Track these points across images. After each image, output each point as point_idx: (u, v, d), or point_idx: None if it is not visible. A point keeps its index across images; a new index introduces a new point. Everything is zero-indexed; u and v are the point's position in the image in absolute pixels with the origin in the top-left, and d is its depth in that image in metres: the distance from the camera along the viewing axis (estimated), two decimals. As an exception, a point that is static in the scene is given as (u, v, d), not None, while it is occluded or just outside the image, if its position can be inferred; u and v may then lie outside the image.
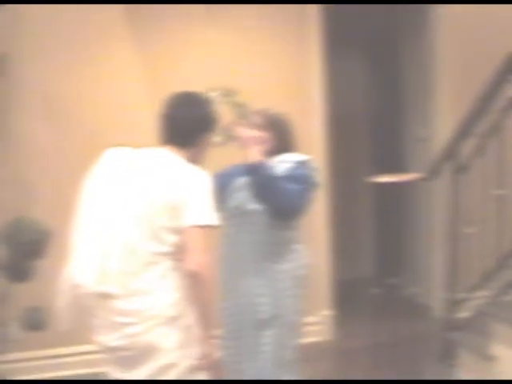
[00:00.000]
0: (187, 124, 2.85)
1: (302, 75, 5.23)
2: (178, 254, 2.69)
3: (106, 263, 2.68)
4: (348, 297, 6.17)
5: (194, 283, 2.65)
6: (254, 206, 3.16)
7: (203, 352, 2.76)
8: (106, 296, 2.69)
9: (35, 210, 4.50)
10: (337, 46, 5.71)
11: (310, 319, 5.05)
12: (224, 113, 3.29)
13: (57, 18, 4.69)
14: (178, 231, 2.67)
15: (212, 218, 2.67)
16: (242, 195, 3.23)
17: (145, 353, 2.70)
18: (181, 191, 2.67)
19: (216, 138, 3.21)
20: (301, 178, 3.17)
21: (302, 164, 3.24)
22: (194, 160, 2.84)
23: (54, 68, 4.71)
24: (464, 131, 4.37)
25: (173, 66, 4.87)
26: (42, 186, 4.71)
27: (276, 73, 5.14)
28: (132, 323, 2.68)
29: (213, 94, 3.31)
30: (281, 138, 3.32)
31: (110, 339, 2.75)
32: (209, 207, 2.68)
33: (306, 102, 5.24)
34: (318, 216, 5.19)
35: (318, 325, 5.37)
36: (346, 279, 6.37)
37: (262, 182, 3.07)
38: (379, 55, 7.06)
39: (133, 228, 2.68)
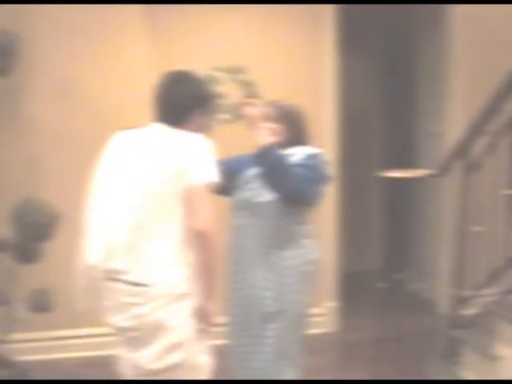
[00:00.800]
0: (177, 102, 2.90)
1: (315, 68, 5.20)
2: (183, 222, 2.72)
3: (113, 240, 2.72)
4: (354, 289, 6.18)
5: (202, 243, 2.70)
6: (263, 198, 3.14)
7: (201, 305, 2.81)
8: (113, 272, 2.73)
9: (46, 191, 4.52)
10: (351, 41, 5.71)
11: (316, 310, 5.05)
12: (233, 91, 3.26)
13: (76, 6, 4.67)
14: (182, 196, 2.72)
15: (213, 174, 2.73)
16: (252, 187, 3.22)
17: (153, 332, 2.74)
18: (182, 156, 2.72)
19: (224, 116, 3.23)
20: (312, 167, 3.14)
21: (313, 156, 3.21)
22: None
23: (67, 51, 4.72)
24: (476, 129, 4.35)
25: (186, 53, 4.85)
26: (53, 167, 4.73)
27: (290, 63, 5.11)
28: (140, 303, 2.71)
29: (219, 73, 3.28)
30: (294, 130, 3.29)
31: (120, 320, 2.79)
32: (210, 165, 2.73)
33: (319, 95, 5.22)
34: (327, 207, 5.18)
35: (323, 316, 5.37)
36: (353, 271, 6.38)
37: (272, 166, 3.04)
38: (393, 51, 7.05)
39: (139, 203, 2.73)
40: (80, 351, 4.83)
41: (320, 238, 5.00)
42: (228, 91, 3.19)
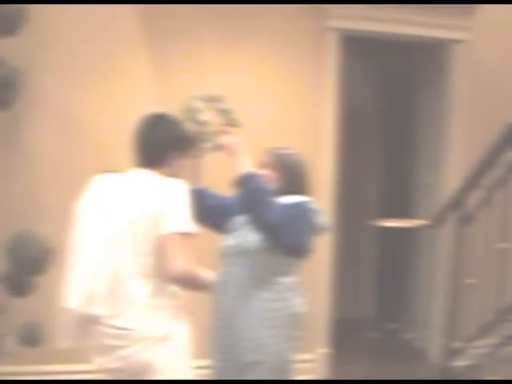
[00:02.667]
0: (153, 145, 2.94)
1: (315, 114, 5.23)
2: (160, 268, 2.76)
3: (93, 285, 2.74)
4: (346, 336, 6.15)
5: (180, 286, 2.81)
6: (247, 246, 3.11)
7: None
8: (95, 317, 2.74)
9: (41, 224, 4.52)
10: (352, 83, 5.74)
11: (306, 356, 5.03)
12: (214, 119, 3.27)
13: (74, 35, 4.73)
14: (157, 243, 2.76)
15: (189, 225, 2.74)
16: (239, 235, 3.20)
17: (141, 372, 2.75)
18: (159, 203, 2.75)
19: (206, 145, 3.24)
20: (296, 208, 3.10)
21: (301, 203, 3.16)
22: (170, 177, 2.89)
23: (68, 84, 4.74)
24: (471, 182, 4.39)
25: (186, 90, 4.90)
26: (49, 201, 4.72)
27: (289, 107, 5.16)
28: (124, 346, 2.72)
29: (198, 101, 3.28)
30: (290, 179, 3.24)
31: (106, 361, 2.80)
32: (185, 215, 2.75)
33: (318, 142, 5.23)
34: (321, 254, 5.17)
35: (313, 362, 5.33)
36: (345, 318, 6.34)
37: (250, 192, 3.01)
38: (392, 99, 7.10)
39: (118, 248, 2.76)
40: (68, 387, 4.80)
41: (313, 283, 5.03)
42: (209, 119, 3.20)
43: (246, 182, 3.02)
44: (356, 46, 5.45)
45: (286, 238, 3.06)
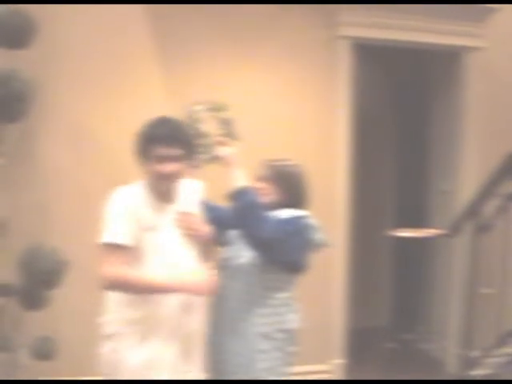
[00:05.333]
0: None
1: (328, 125, 5.21)
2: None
3: None
4: (361, 346, 6.10)
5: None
6: (241, 261, 3.10)
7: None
8: None
9: (54, 237, 4.51)
10: (365, 92, 5.72)
11: (321, 367, 5.00)
12: (213, 130, 3.23)
13: (86, 49, 4.71)
14: None
15: (108, 236, 2.79)
16: (233, 249, 3.19)
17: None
18: None
19: (203, 156, 3.20)
20: (291, 223, 3.05)
21: (296, 218, 3.12)
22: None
23: (81, 97, 4.73)
24: (488, 191, 4.34)
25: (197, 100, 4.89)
26: (62, 214, 4.71)
27: (302, 117, 5.13)
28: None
29: (200, 109, 3.22)
30: (286, 192, 3.20)
31: None
32: (107, 226, 2.82)
33: (332, 151, 5.20)
34: (336, 264, 5.16)
35: (328, 373, 5.30)
36: (361, 328, 6.30)
37: (243, 207, 2.97)
38: (406, 105, 7.06)
39: None
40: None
41: (328, 293, 5.00)
42: (209, 130, 3.16)
43: (239, 197, 2.99)
44: (368, 55, 5.42)
45: (279, 255, 3.03)
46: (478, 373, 4.59)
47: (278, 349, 3.14)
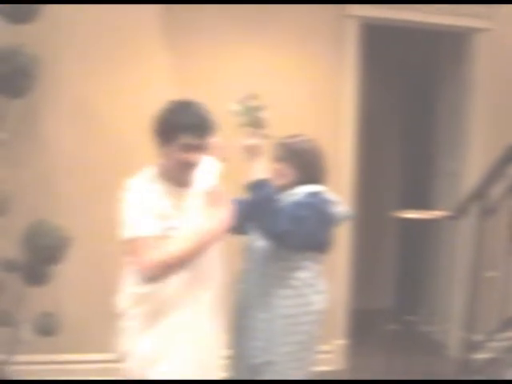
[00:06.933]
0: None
1: (335, 101, 5.17)
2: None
3: None
4: (364, 327, 6.09)
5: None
6: (259, 243, 3.07)
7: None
8: None
9: (57, 213, 4.51)
10: (373, 71, 5.68)
11: (324, 347, 5.00)
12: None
13: (92, 24, 4.69)
14: None
15: (130, 230, 2.71)
16: (252, 233, 3.16)
17: None
18: None
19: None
20: (307, 206, 3.00)
21: (313, 194, 3.09)
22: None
23: (85, 72, 4.71)
24: (494, 173, 4.31)
25: (202, 78, 4.85)
26: (65, 189, 4.71)
27: (308, 97, 5.10)
28: None
29: (237, 106, 3.10)
30: (303, 168, 3.16)
31: None
32: (126, 221, 2.74)
33: (338, 128, 5.18)
34: (340, 245, 5.14)
35: (331, 353, 5.30)
36: (364, 309, 6.29)
37: (259, 200, 2.94)
38: (414, 87, 7.02)
39: None
40: (84, 376, 4.78)
41: (331, 275, 4.99)
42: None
43: (256, 189, 2.95)
44: (377, 35, 5.37)
45: (294, 243, 3.00)
46: (480, 356, 4.57)
47: (300, 332, 3.10)
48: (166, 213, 2.76)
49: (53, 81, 4.60)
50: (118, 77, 4.78)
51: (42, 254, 4.13)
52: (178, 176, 2.83)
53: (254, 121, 3.01)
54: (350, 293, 5.43)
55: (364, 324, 6.16)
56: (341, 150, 5.18)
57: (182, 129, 2.72)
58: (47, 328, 4.32)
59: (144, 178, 2.84)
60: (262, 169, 2.98)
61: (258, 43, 5.02)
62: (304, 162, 3.17)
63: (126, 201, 2.76)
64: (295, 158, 3.16)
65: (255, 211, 2.96)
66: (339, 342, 5.39)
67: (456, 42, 5.81)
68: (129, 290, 2.85)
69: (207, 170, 2.92)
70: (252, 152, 2.99)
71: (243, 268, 3.14)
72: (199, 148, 2.77)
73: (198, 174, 2.88)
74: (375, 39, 5.40)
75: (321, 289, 3.20)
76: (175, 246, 2.67)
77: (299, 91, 5.08)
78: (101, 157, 4.71)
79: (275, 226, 2.91)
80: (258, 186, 2.94)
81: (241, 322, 3.15)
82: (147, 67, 4.82)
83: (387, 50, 6.46)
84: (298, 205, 3.00)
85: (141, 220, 2.70)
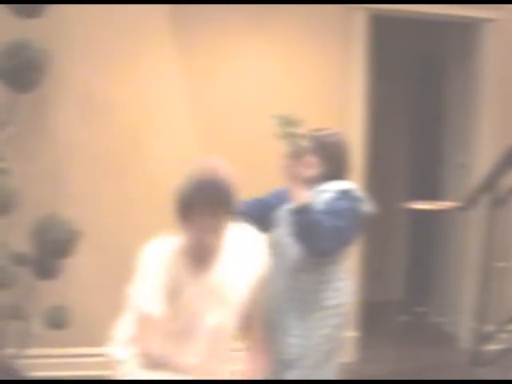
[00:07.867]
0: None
1: (343, 95, 5.15)
2: None
3: None
4: (374, 319, 6.08)
5: None
6: (288, 239, 3.02)
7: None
8: None
9: (67, 207, 4.51)
10: (381, 63, 5.65)
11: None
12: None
13: (100, 18, 4.69)
14: None
15: (142, 301, 2.62)
16: (279, 229, 3.12)
17: None
18: None
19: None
20: (342, 213, 2.96)
21: (344, 194, 3.07)
22: None
23: (94, 66, 4.71)
24: (504, 164, 4.29)
25: (211, 73, 4.85)
26: (75, 183, 4.71)
27: (317, 91, 5.08)
28: None
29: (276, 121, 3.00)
30: (331, 162, 3.14)
31: None
32: (140, 286, 2.64)
33: (346, 122, 5.15)
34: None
35: (341, 345, 5.28)
36: (374, 301, 6.29)
37: (304, 225, 2.87)
38: (422, 79, 7.00)
39: None
40: (94, 370, 4.78)
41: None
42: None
43: (301, 214, 2.87)
44: (385, 26, 5.35)
45: (334, 253, 3.04)
46: (491, 347, 4.56)
47: (329, 325, 3.09)
48: (178, 289, 2.65)
49: (61, 75, 4.60)
50: (126, 70, 4.79)
51: (51, 248, 4.13)
52: (196, 255, 2.69)
53: (297, 149, 2.94)
54: (360, 285, 5.42)
55: (375, 316, 6.16)
56: (349, 141, 5.15)
57: (192, 206, 2.57)
58: (57, 321, 4.33)
59: (165, 246, 2.69)
60: (305, 193, 2.92)
61: (265, 36, 5.00)
62: (332, 155, 3.16)
63: (144, 262, 2.64)
64: (324, 151, 3.12)
65: (300, 233, 2.91)
66: (350, 334, 5.37)
67: (464, 33, 5.78)
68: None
69: (242, 245, 2.82)
70: (294, 177, 2.91)
71: (270, 260, 3.09)
72: (215, 228, 2.63)
73: (228, 253, 2.75)
74: (383, 30, 5.38)
75: (346, 282, 3.21)
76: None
77: (306, 82, 5.06)
78: (110, 150, 4.72)
79: (318, 245, 2.90)
80: (303, 211, 2.87)
81: (273, 317, 3.10)
82: (154, 58, 4.82)
83: (395, 41, 6.44)
84: (335, 214, 2.95)
85: (152, 295, 2.60)
